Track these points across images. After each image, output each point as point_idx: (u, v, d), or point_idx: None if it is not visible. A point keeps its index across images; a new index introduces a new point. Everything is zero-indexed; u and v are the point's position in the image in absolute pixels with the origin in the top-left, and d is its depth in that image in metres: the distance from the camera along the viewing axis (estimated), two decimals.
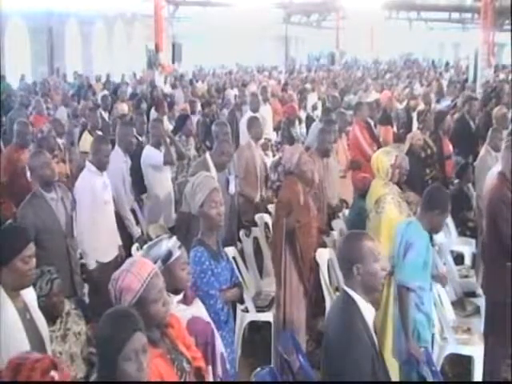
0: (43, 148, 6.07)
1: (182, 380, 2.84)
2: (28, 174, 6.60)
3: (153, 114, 10.76)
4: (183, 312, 3.25)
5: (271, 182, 7.38)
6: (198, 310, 3.42)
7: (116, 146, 6.33)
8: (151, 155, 6.62)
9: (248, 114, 9.40)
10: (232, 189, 6.06)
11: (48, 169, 4.87)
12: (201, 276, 3.65)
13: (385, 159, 5.06)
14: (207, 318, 3.43)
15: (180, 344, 2.91)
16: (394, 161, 5.03)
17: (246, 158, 6.74)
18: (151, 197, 6.67)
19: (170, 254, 3.14)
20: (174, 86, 16.92)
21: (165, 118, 9.91)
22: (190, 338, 3.09)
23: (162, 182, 6.65)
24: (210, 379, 3.28)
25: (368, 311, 2.95)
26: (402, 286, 4.11)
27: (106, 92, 15.42)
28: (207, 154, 6.13)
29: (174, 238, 3.25)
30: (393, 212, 4.79)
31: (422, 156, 7.21)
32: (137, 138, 7.34)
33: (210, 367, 3.34)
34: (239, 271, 5.18)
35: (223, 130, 6.40)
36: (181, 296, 3.31)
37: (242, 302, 4.51)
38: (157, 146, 6.69)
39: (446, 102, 13.19)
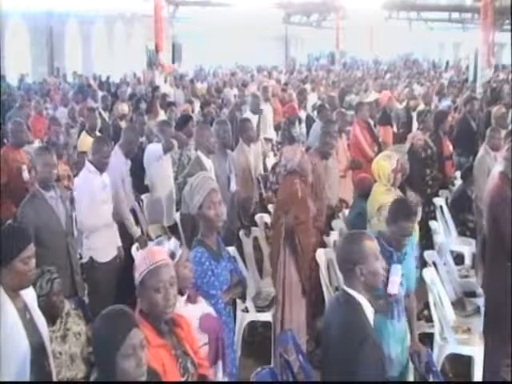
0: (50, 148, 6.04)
1: (184, 380, 2.84)
2: (25, 173, 6.63)
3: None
4: (193, 311, 3.28)
5: (270, 183, 7.38)
6: (206, 307, 3.46)
7: (116, 147, 6.25)
8: (152, 151, 6.67)
9: (247, 114, 9.39)
10: (233, 186, 6.06)
11: (52, 169, 4.87)
12: (201, 276, 3.65)
13: (386, 164, 4.99)
14: (215, 314, 3.47)
15: (187, 346, 2.92)
16: (395, 165, 4.96)
17: (240, 163, 6.65)
18: (152, 196, 6.67)
19: (173, 255, 3.17)
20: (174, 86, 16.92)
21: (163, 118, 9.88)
22: (198, 344, 3.09)
23: (163, 181, 6.65)
24: (220, 375, 3.32)
25: (369, 311, 2.95)
26: None
27: (104, 92, 15.43)
28: (198, 152, 6.08)
29: (173, 238, 3.27)
30: None
31: (422, 156, 7.20)
32: None
33: (220, 362, 3.40)
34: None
35: (224, 129, 6.37)
36: (185, 296, 3.33)
37: (244, 298, 4.49)
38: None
39: (446, 102, 13.18)
